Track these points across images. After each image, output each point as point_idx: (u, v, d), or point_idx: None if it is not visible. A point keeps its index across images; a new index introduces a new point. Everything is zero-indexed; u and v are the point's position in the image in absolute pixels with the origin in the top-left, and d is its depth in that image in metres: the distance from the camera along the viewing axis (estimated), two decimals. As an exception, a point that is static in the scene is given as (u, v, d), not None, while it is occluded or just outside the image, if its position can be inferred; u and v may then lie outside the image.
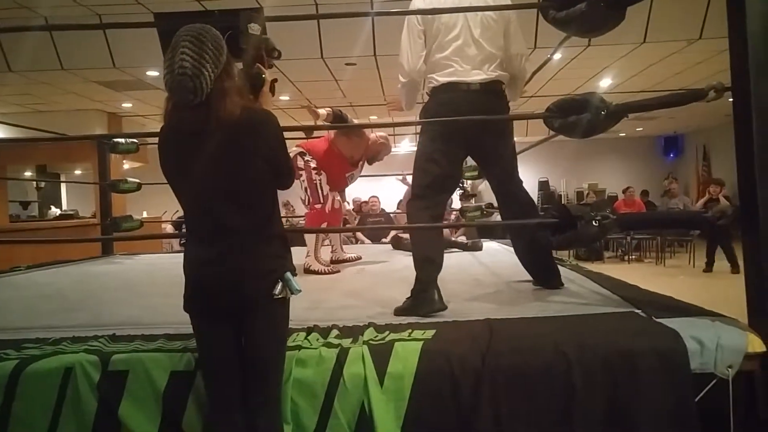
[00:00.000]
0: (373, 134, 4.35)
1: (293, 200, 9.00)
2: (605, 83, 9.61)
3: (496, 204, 3.30)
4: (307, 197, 4.03)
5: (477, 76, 2.66)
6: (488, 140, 2.77)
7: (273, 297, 1.71)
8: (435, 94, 2.73)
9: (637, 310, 2.25)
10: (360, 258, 4.49)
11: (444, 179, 2.74)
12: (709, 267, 9.17)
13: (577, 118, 2.31)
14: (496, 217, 4.43)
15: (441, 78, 2.69)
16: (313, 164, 4.01)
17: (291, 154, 1.83)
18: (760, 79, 1.89)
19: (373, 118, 12.54)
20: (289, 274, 1.75)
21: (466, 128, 2.66)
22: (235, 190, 1.70)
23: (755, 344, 1.87)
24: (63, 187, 14.05)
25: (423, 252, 2.64)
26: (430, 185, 2.71)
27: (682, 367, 1.82)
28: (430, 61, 2.72)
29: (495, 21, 2.72)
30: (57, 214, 11.21)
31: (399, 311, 2.49)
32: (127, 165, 11.13)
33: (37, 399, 1.91)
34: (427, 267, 2.58)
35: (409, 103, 2.94)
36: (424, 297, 2.46)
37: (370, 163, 4.41)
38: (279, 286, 1.72)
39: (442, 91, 2.70)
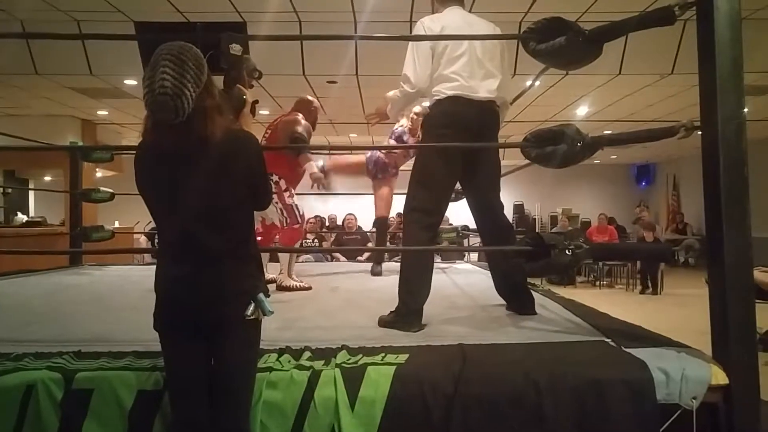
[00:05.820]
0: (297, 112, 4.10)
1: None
2: (582, 111, 9.80)
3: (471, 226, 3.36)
4: (284, 218, 3.99)
5: (480, 92, 2.77)
6: (483, 158, 2.89)
7: (245, 318, 1.69)
8: (440, 106, 2.81)
9: (607, 339, 2.28)
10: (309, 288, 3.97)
11: (443, 194, 2.84)
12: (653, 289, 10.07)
13: (553, 148, 2.35)
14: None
15: (448, 91, 2.77)
16: (282, 184, 3.95)
17: None
18: (729, 120, 1.95)
19: (353, 137, 12.58)
20: (262, 296, 1.74)
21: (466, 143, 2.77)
22: (214, 211, 1.69)
23: (719, 376, 1.90)
24: (31, 193, 13.75)
25: (412, 270, 2.72)
26: (429, 199, 2.78)
27: (649, 398, 1.85)
28: (436, 74, 2.80)
29: (494, 45, 2.86)
30: (23, 221, 10.91)
31: (383, 323, 2.64)
32: (100, 173, 10.95)
33: (-3, 416, 1.85)
34: (414, 286, 2.68)
35: (399, 113, 3.03)
36: (405, 319, 2.59)
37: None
38: (251, 307, 1.71)
39: (448, 104, 2.78)
